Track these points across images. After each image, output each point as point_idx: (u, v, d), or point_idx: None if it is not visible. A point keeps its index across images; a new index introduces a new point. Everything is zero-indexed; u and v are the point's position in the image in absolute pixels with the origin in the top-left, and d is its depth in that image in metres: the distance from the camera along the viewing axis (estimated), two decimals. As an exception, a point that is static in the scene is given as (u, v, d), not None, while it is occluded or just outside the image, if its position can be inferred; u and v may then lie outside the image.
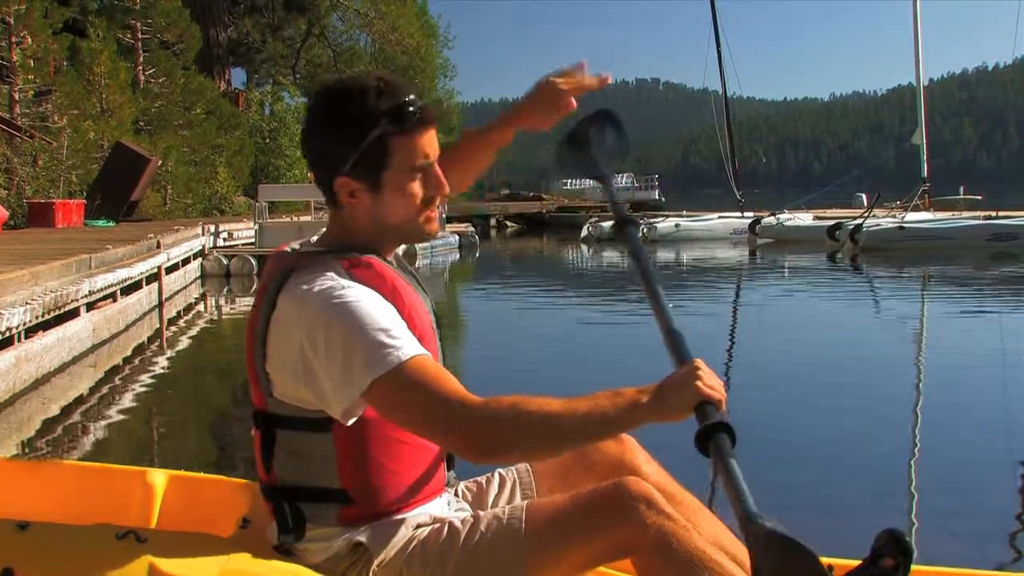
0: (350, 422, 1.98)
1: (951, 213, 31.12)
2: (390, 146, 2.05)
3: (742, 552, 2.22)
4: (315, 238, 2.19)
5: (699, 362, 1.95)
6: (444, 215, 30.50)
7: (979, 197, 39.25)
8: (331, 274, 2.02)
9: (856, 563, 2.19)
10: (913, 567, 2.11)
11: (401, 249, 2.32)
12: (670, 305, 2.15)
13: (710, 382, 1.90)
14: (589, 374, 8.74)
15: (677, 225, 33.39)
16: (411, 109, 2.05)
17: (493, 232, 45.87)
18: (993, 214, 28.92)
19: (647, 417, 1.91)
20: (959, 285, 18.32)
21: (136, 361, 10.43)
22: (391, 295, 2.05)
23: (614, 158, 2.65)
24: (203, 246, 20.61)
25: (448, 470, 2.24)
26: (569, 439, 1.95)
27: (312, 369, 1.96)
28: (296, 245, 2.16)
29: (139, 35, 33.56)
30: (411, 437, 2.08)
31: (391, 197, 2.09)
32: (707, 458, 1.88)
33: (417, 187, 2.10)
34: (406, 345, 1.94)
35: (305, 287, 2.00)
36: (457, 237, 29.47)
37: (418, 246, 23.00)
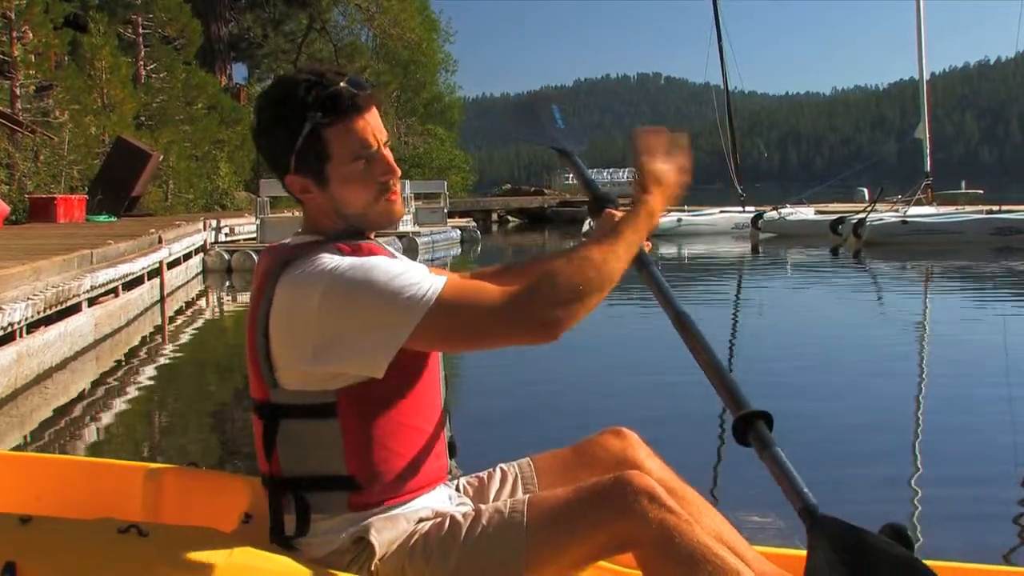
0: (381, 375, 2.00)
1: (954, 207, 31.07)
2: (325, 138, 2.05)
3: (744, 547, 2.23)
4: (299, 231, 2.19)
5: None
6: (446, 209, 30.49)
7: (981, 191, 39.25)
8: (332, 255, 2.03)
9: (858, 557, 2.19)
10: (915, 561, 2.11)
11: (401, 246, 2.32)
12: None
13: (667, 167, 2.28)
14: (590, 361, 8.74)
15: (679, 220, 33.30)
16: (340, 97, 2.04)
17: (495, 227, 45.84)
18: (996, 208, 28.87)
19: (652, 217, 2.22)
20: (963, 279, 18.31)
21: (138, 356, 10.44)
22: None
23: (573, 140, 2.68)
24: (205, 241, 20.59)
25: (450, 458, 2.25)
26: (610, 274, 2.06)
27: (334, 342, 1.97)
28: (287, 241, 2.17)
29: (140, 30, 33.59)
30: (415, 421, 2.09)
31: (340, 188, 2.09)
32: (747, 447, 1.91)
33: (365, 174, 2.09)
34: (428, 276, 2.00)
35: (307, 269, 2.01)
36: (459, 232, 29.45)
37: (419, 241, 23.06)
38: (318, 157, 2.07)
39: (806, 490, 1.80)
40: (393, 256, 2.12)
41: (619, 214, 2.19)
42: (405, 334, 1.95)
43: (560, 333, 1.97)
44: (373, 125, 2.09)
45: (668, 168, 2.27)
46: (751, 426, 1.92)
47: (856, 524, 1.72)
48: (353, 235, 2.12)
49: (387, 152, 2.12)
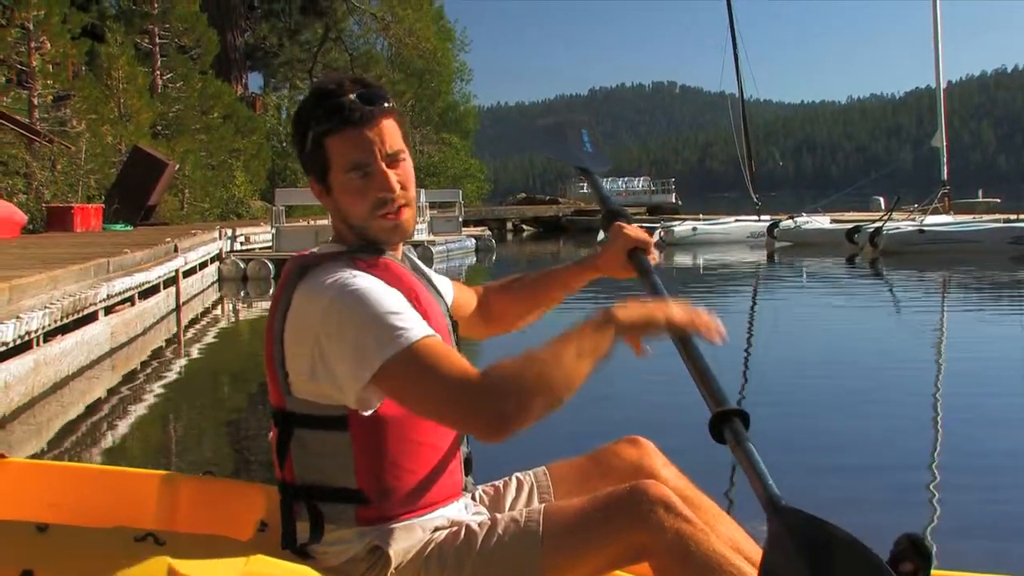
0: (367, 412, 2.00)
1: (972, 216, 30.94)
2: (326, 147, 2.07)
3: (760, 556, 2.21)
4: (330, 239, 2.21)
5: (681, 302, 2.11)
6: (461, 218, 30.52)
7: (998, 200, 39.08)
8: (346, 268, 2.04)
9: (876, 567, 2.18)
10: (933, 572, 2.10)
11: (414, 253, 2.32)
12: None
13: (678, 305, 2.07)
14: (606, 368, 8.71)
15: (694, 229, 33.31)
16: (340, 108, 2.05)
17: (510, 236, 45.86)
18: (1014, 217, 28.73)
19: (618, 328, 2.03)
20: (981, 288, 18.22)
21: (154, 365, 10.47)
22: (407, 297, 2.05)
23: (597, 162, 2.70)
24: (220, 250, 20.65)
25: (466, 475, 2.24)
26: (566, 384, 1.98)
27: (328, 359, 1.97)
28: (315, 249, 2.18)
29: (157, 40, 33.74)
30: (429, 439, 2.09)
31: (340, 198, 2.11)
32: (722, 444, 1.91)
33: (361, 187, 2.08)
34: (416, 327, 1.95)
35: (320, 280, 2.02)
36: (474, 241, 29.47)
37: (434, 249, 23.08)
38: (321, 166, 2.09)
39: (771, 483, 1.82)
40: (411, 286, 2.11)
41: (598, 316, 2.06)
42: (369, 372, 1.92)
43: (506, 438, 1.95)
44: (378, 140, 2.07)
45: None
46: (727, 423, 1.93)
47: (819, 516, 1.73)
48: (373, 250, 2.12)
49: (390, 168, 2.08)
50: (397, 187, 2.09)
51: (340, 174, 2.07)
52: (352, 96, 2.05)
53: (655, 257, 2.37)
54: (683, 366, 2.04)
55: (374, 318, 1.94)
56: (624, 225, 2.42)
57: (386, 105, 2.09)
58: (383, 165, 2.07)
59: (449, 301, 2.37)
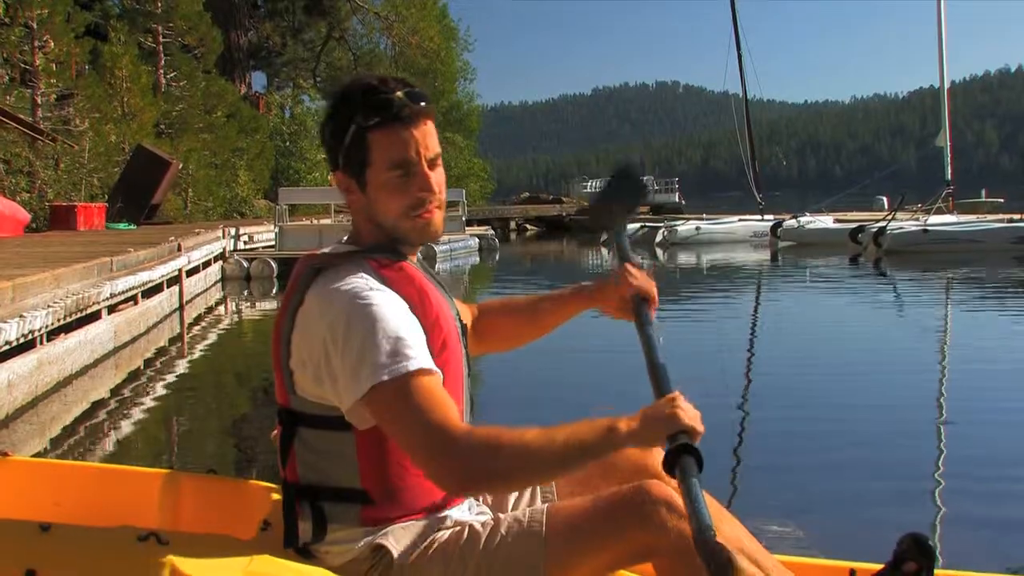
0: (362, 427, 2.00)
1: (975, 216, 30.92)
2: (369, 141, 2.05)
3: (764, 555, 2.21)
4: (345, 238, 2.20)
5: (677, 394, 2.02)
6: (464, 217, 30.53)
7: (1001, 200, 39.05)
8: (361, 274, 2.03)
9: (879, 567, 2.18)
10: (936, 571, 2.10)
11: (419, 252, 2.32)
12: (660, 340, 2.21)
13: (687, 413, 1.96)
14: (612, 368, 8.72)
15: (698, 228, 33.32)
16: (389, 104, 2.04)
17: (513, 235, 45.87)
18: (1017, 217, 28.71)
19: (623, 443, 1.96)
20: (984, 288, 18.20)
21: (157, 364, 10.47)
22: (419, 299, 2.06)
23: (630, 207, 2.70)
24: (223, 249, 20.65)
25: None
26: (546, 470, 1.98)
27: (331, 365, 1.97)
28: (328, 249, 2.17)
29: (160, 39, 33.74)
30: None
31: (376, 195, 2.09)
32: (673, 478, 1.91)
33: (400, 186, 2.07)
34: (418, 357, 1.94)
35: (333, 285, 2.01)
36: (477, 240, 29.48)
37: (437, 248, 23.08)
38: (360, 160, 2.07)
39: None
40: (423, 288, 2.10)
41: (607, 421, 1.98)
42: (359, 393, 1.92)
43: (465, 496, 1.99)
44: (420, 140, 2.07)
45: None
46: (678, 461, 1.91)
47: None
48: (390, 251, 2.12)
49: (431, 170, 2.10)
50: (436, 188, 2.10)
51: (382, 171, 2.06)
52: (400, 93, 2.05)
53: (654, 310, 2.37)
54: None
55: (379, 338, 1.93)
56: (635, 270, 2.42)
57: (429, 105, 2.10)
58: (425, 166, 2.08)
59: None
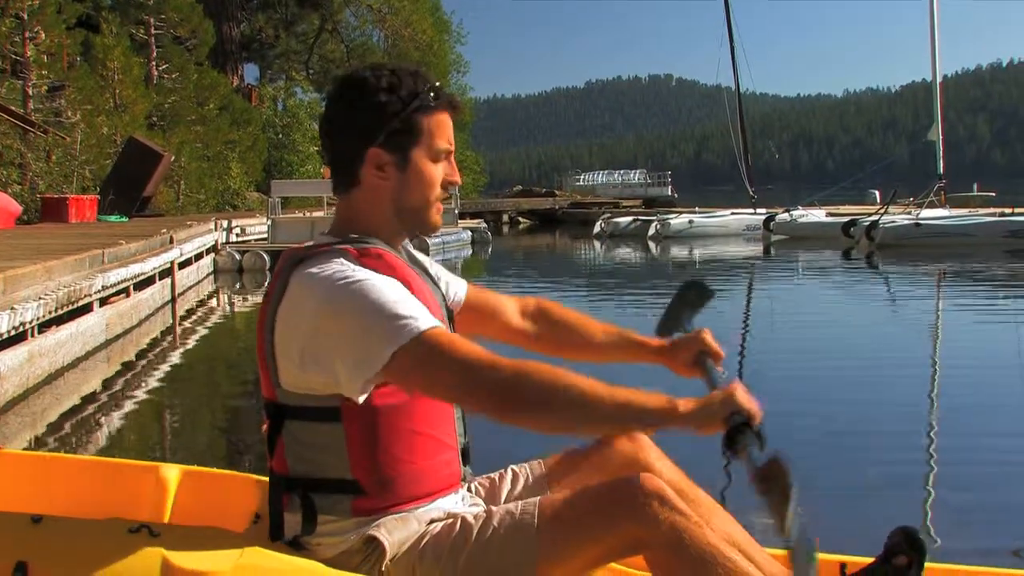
0: (361, 399, 1.99)
1: (967, 210, 30.97)
2: (422, 123, 2.10)
3: (755, 548, 2.22)
4: (326, 230, 2.20)
5: (737, 382, 2.05)
6: (457, 210, 30.49)
7: (993, 193, 39.13)
8: (341, 260, 2.04)
9: (869, 560, 2.19)
10: (927, 565, 2.11)
11: (411, 246, 2.32)
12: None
13: (746, 397, 1.99)
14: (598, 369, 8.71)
15: (691, 221, 33.30)
16: (440, 91, 2.13)
17: (506, 228, 45.85)
18: (1009, 211, 28.78)
19: (681, 421, 1.97)
20: (977, 282, 18.23)
21: (149, 356, 10.46)
22: (403, 285, 2.05)
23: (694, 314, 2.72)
24: (216, 242, 20.63)
25: (464, 465, 2.24)
26: (598, 417, 1.97)
27: (323, 351, 1.97)
28: (310, 242, 2.17)
29: (152, 31, 33.66)
30: (426, 428, 2.09)
31: (415, 176, 2.12)
32: (735, 458, 1.95)
33: (438, 170, 2.14)
34: (422, 316, 1.96)
35: (314, 272, 2.02)
36: (469, 233, 29.44)
37: (430, 241, 23.06)
38: (410, 139, 2.10)
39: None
40: (406, 277, 2.11)
41: (667, 397, 1.99)
42: (379, 364, 1.93)
43: (515, 423, 1.94)
44: (452, 132, 2.17)
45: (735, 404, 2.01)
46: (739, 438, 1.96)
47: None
48: (372, 241, 2.12)
49: (454, 160, 2.19)
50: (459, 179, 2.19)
51: (427, 153, 2.12)
52: (440, 84, 2.15)
53: (721, 368, 2.41)
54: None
55: (376, 309, 1.94)
56: (706, 332, 2.48)
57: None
58: (452, 157, 2.18)
59: (459, 299, 2.43)
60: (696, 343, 2.46)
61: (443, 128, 2.13)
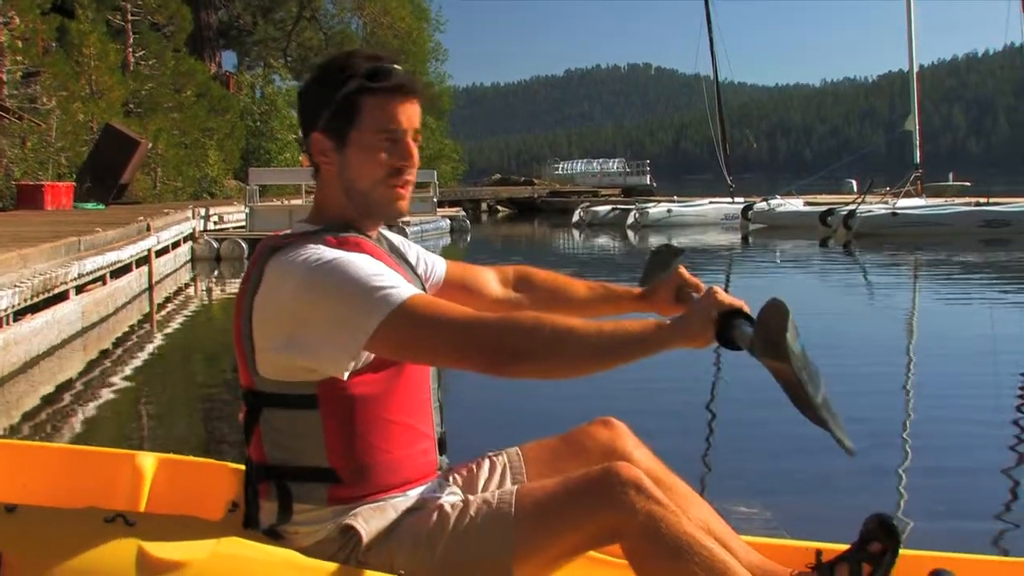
0: (344, 376, 1.99)
1: (943, 199, 31.13)
2: (360, 104, 2.07)
3: (731, 537, 2.23)
4: (304, 218, 2.20)
5: (715, 287, 2.07)
6: (436, 199, 30.45)
7: (968, 183, 39.32)
8: (318, 245, 2.04)
9: (845, 547, 2.20)
10: (901, 551, 2.12)
11: (391, 233, 2.32)
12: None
13: (729, 297, 2.03)
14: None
15: (669, 211, 33.38)
16: (390, 73, 2.08)
17: (484, 217, 45.82)
18: (984, 200, 28.94)
19: (674, 337, 1.99)
20: (952, 271, 18.34)
21: (126, 344, 10.41)
22: None
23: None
24: (193, 229, 20.53)
25: (440, 454, 2.24)
26: (593, 354, 1.96)
27: (304, 332, 1.97)
28: (288, 231, 2.17)
29: (129, 16, 33.43)
30: (402, 417, 2.09)
31: (355, 157, 2.10)
32: (732, 349, 1.99)
33: (383, 152, 2.09)
34: (403, 285, 1.97)
35: (290, 258, 2.01)
36: (448, 221, 29.41)
37: (409, 230, 23.01)
38: (347, 121, 2.08)
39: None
40: (390, 254, 2.12)
41: (653, 320, 2.05)
42: (364, 337, 1.93)
43: (511, 375, 1.93)
44: (411, 114, 2.12)
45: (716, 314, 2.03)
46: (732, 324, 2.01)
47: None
48: (347, 229, 2.12)
49: (412, 144, 2.13)
50: (415, 162, 2.14)
51: (368, 133, 2.08)
52: (398, 68, 2.10)
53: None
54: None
55: (356, 285, 1.94)
56: (681, 268, 2.54)
57: (421, 86, 2.15)
58: (410, 138, 2.12)
59: (437, 277, 2.44)
60: (675, 280, 2.49)
61: (388, 110, 2.08)
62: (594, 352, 1.95)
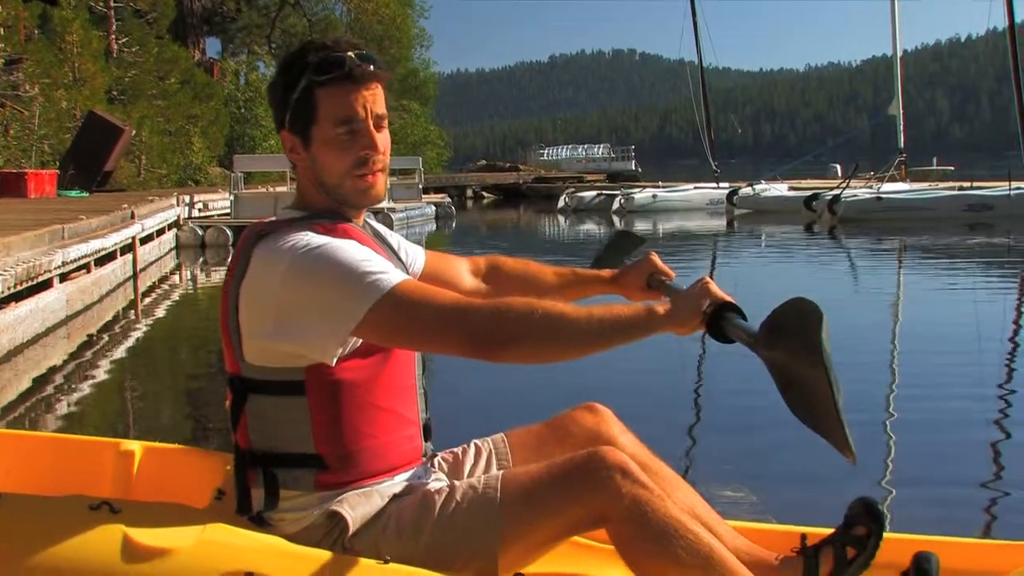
0: (332, 362, 1.99)
1: (927, 184, 31.23)
2: (315, 98, 2.06)
3: (717, 521, 2.24)
4: (289, 205, 2.19)
5: (707, 278, 2.09)
6: (421, 185, 30.40)
7: (952, 168, 39.47)
8: (305, 232, 2.03)
9: (830, 531, 2.21)
10: (886, 535, 2.13)
11: (375, 220, 2.32)
12: None
13: (719, 291, 2.05)
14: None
15: (654, 196, 33.40)
16: (339, 63, 2.05)
17: (470, 203, 45.76)
18: (967, 184, 29.04)
19: (663, 323, 2.01)
20: (936, 255, 18.40)
21: (110, 332, 10.37)
22: None
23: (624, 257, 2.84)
24: (178, 217, 20.46)
25: (425, 440, 2.24)
26: (583, 338, 1.97)
27: (292, 318, 1.97)
28: (273, 217, 2.17)
29: (112, 3, 33.24)
30: (388, 403, 2.09)
31: (320, 152, 2.09)
32: (722, 342, 2.03)
33: (345, 143, 2.07)
34: (391, 271, 1.97)
35: (277, 244, 2.01)
36: (434, 208, 29.38)
37: (394, 216, 22.97)
38: (307, 117, 2.07)
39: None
40: (375, 241, 2.12)
41: (643, 306, 2.06)
42: (352, 323, 1.93)
43: (500, 360, 1.94)
44: (369, 100, 2.08)
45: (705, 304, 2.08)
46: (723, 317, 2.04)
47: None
48: (333, 216, 2.11)
49: (376, 131, 2.10)
50: (381, 148, 2.11)
51: (327, 127, 2.07)
52: (351, 54, 2.06)
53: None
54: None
55: (345, 270, 1.95)
56: (653, 255, 2.53)
57: (381, 69, 2.11)
58: (371, 125, 2.09)
59: (417, 268, 2.42)
60: (646, 266, 2.50)
61: (342, 101, 2.05)
62: (585, 336, 1.96)
